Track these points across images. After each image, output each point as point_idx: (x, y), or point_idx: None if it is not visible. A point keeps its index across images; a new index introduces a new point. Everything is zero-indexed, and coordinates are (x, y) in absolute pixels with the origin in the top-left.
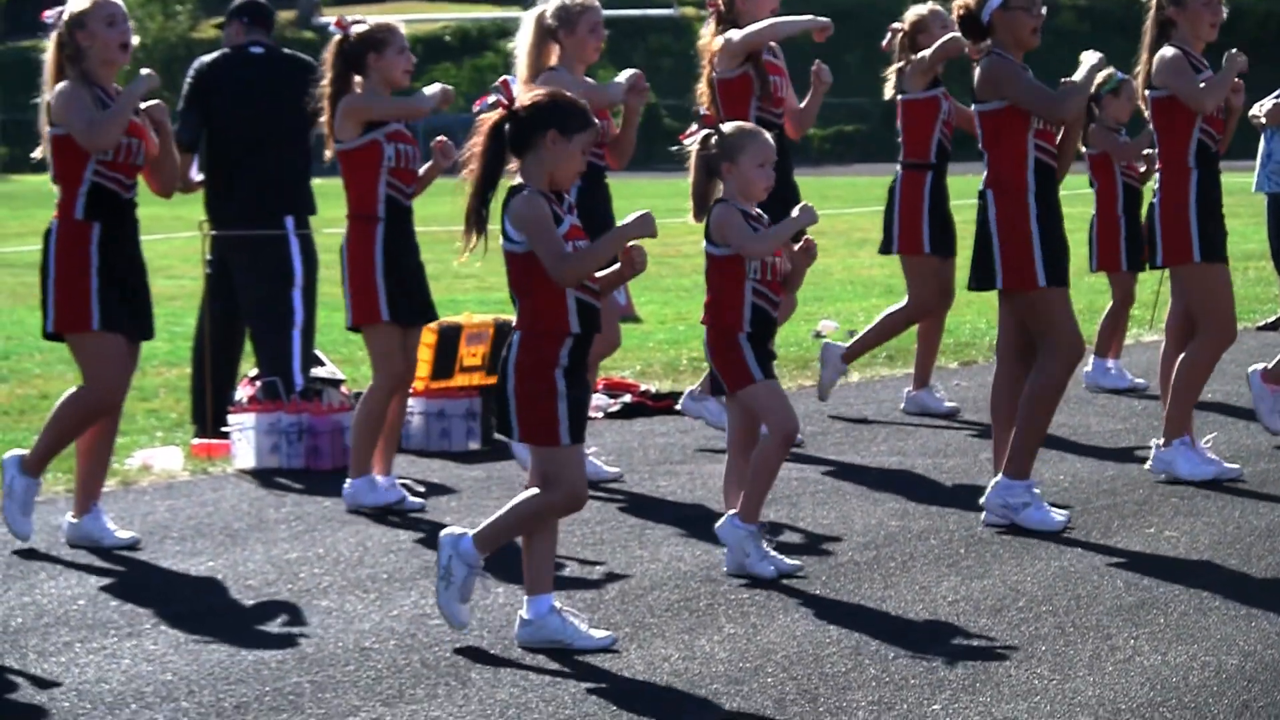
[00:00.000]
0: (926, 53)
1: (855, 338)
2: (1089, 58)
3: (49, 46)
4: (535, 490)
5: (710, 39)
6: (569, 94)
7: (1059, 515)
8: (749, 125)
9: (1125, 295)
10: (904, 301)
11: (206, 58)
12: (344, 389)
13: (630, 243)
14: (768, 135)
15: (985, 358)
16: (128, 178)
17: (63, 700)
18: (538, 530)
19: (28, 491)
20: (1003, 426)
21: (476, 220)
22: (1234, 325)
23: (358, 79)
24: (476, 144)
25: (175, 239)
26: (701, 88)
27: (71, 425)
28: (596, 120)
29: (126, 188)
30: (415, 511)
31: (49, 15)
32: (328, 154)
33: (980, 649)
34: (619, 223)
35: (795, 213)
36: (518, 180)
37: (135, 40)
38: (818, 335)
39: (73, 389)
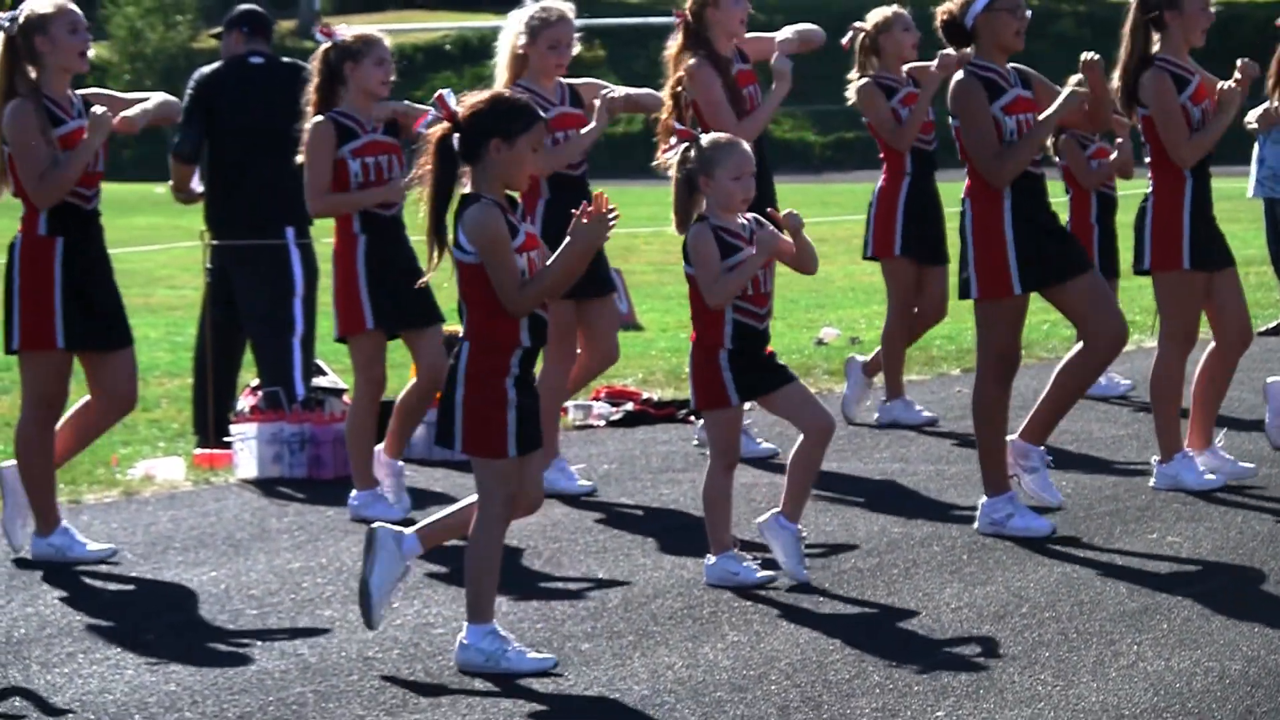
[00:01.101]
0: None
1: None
2: (1069, 90)
3: (313, 67)
4: (474, 523)
5: (676, 50)
6: (508, 94)
7: (1046, 521)
8: (726, 137)
9: None
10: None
11: (207, 69)
12: (345, 398)
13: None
14: (745, 146)
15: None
16: (88, 189)
17: (65, 711)
18: (500, 549)
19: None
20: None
21: (437, 237)
22: (1196, 333)
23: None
24: (425, 162)
25: (176, 248)
26: (665, 97)
27: (41, 458)
28: (543, 115)
29: (88, 199)
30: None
31: (3, 17)
32: (299, 158)
33: (983, 655)
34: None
35: (755, 248)
36: (468, 189)
37: (91, 53)
38: (819, 343)
39: (16, 428)
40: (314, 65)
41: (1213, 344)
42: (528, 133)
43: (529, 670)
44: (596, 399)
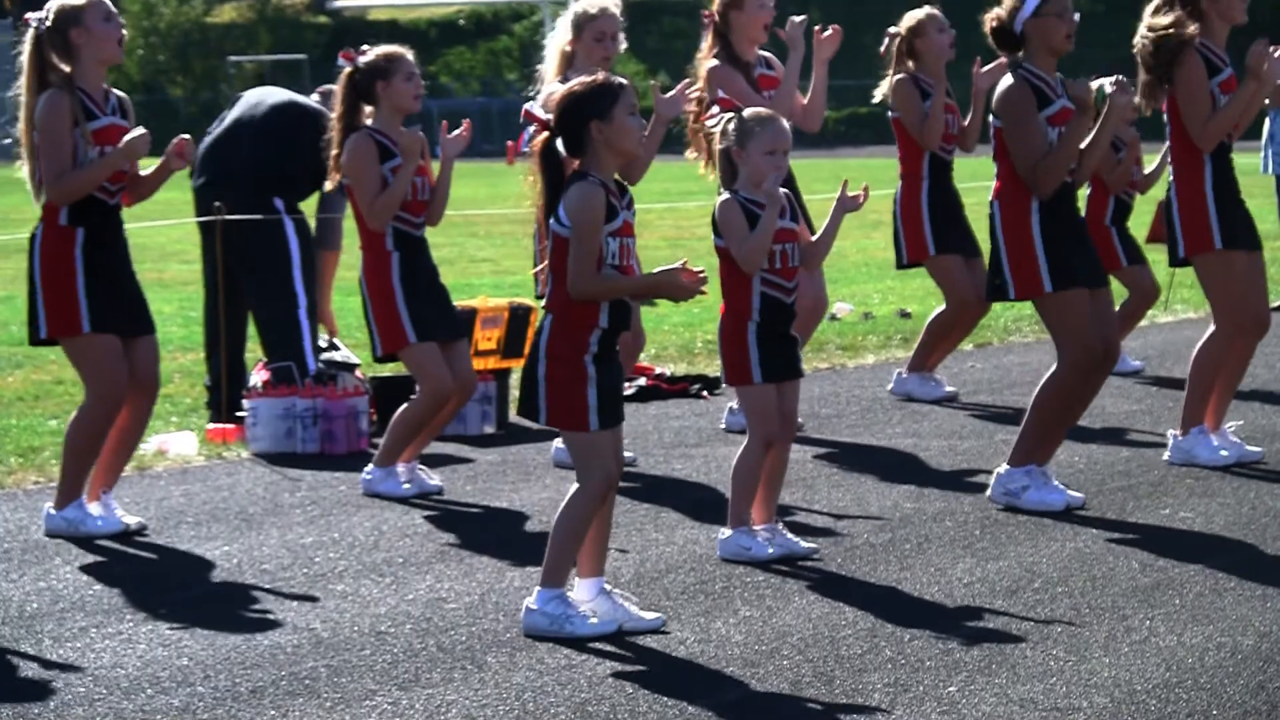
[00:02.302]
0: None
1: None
2: (1108, 108)
3: (25, 47)
4: (571, 492)
5: (706, 54)
6: (580, 79)
7: (1072, 495)
8: (766, 111)
9: (1142, 293)
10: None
11: None
12: (359, 373)
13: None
14: (783, 123)
15: (1000, 340)
16: (112, 184)
17: (78, 685)
18: (592, 524)
19: (80, 509)
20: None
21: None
22: (1249, 316)
23: (368, 109)
24: (534, 174)
25: (189, 223)
26: (692, 108)
27: (86, 443)
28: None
29: (110, 194)
30: (434, 494)
31: (32, 18)
32: (328, 185)
33: (996, 630)
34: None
35: (767, 207)
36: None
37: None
38: (833, 317)
39: (75, 411)
40: (338, 90)
41: (1213, 327)
42: (619, 102)
43: (592, 635)
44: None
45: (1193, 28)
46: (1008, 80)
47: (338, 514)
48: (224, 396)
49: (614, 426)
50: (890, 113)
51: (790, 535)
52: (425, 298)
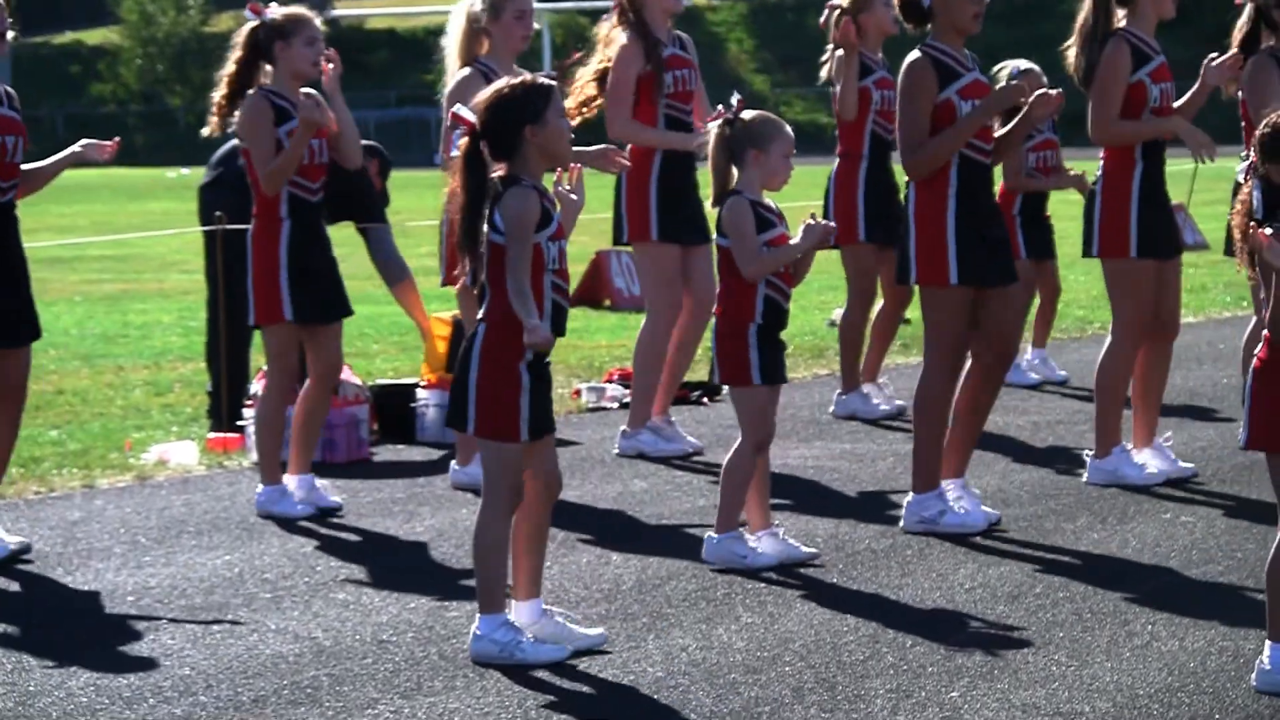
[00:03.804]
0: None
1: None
2: (1000, 86)
3: (237, 42)
4: (479, 511)
5: (610, 28)
6: (509, 81)
7: (986, 513)
8: (773, 115)
9: (1047, 288)
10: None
11: None
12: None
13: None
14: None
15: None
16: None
17: (80, 695)
18: (507, 541)
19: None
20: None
21: (470, 247)
22: (1141, 327)
23: (267, 67)
24: (454, 178)
25: (189, 233)
26: (587, 76)
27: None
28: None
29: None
30: (305, 519)
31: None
32: (205, 131)
33: (998, 636)
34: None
35: (801, 233)
36: (500, 173)
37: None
38: (832, 324)
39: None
40: (237, 41)
41: (1110, 338)
42: (550, 104)
43: (542, 661)
44: (609, 381)
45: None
46: (911, 56)
47: (339, 523)
48: (224, 406)
49: (543, 437)
50: (832, 88)
51: (791, 540)
52: (313, 274)
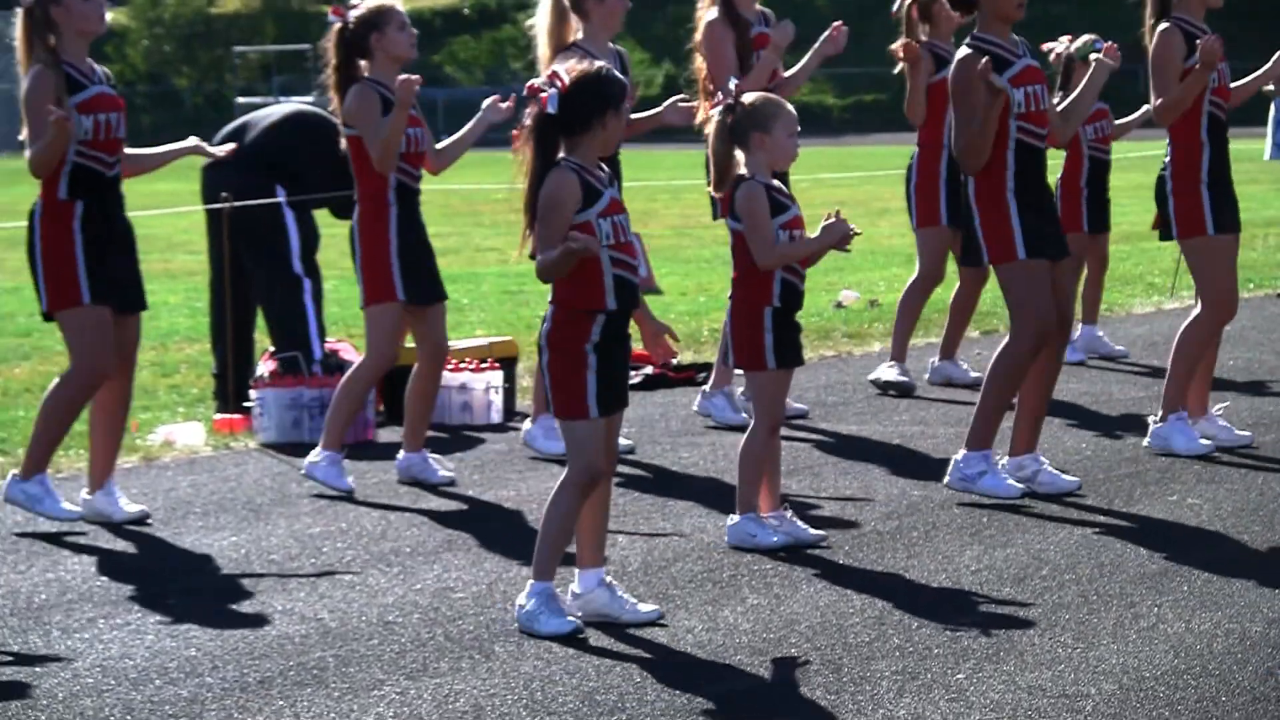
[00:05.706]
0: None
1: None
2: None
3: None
4: (558, 484)
5: (706, 5)
6: (601, 65)
7: (1019, 486)
8: (774, 95)
9: (1097, 260)
10: (914, 275)
11: None
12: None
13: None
14: (790, 105)
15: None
16: (109, 154)
17: (87, 676)
18: (579, 512)
19: (42, 486)
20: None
21: (532, 221)
22: (1235, 300)
23: (363, 63)
24: (523, 148)
25: (195, 213)
26: (700, 65)
27: (64, 413)
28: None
29: (109, 165)
30: (444, 485)
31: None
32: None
33: (1003, 618)
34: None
35: (821, 230)
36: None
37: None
38: (839, 305)
39: (55, 379)
40: (328, 47)
41: (1198, 310)
42: (625, 99)
43: (548, 634)
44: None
45: None
46: (960, 51)
47: (345, 504)
48: (230, 386)
49: (614, 413)
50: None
51: (799, 522)
52: (419, 256)
